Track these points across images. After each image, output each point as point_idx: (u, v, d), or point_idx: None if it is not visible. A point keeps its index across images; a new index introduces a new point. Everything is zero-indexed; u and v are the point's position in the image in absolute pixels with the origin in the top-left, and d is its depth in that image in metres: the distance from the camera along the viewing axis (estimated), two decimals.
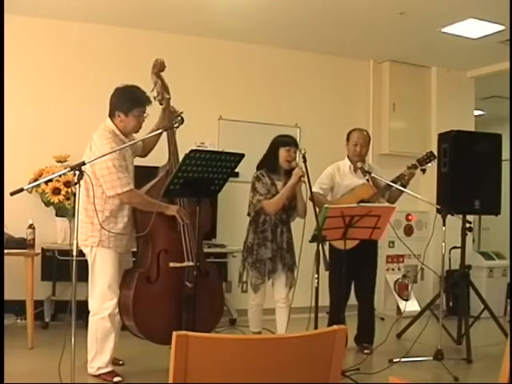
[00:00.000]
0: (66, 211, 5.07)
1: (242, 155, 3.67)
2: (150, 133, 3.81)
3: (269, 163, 4.21)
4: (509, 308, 6.26)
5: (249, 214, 4.22)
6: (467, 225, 4.90)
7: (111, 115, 3.74)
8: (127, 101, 3.71)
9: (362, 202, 4.23)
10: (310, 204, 4.18)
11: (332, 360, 1.71)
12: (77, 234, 3.15)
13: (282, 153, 4.15)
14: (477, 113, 7.59)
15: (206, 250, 4.61)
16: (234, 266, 5.51)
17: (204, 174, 3.54)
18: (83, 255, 3.67)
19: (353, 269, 4.38)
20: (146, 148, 4.05)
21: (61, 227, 5.13)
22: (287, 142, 4.18)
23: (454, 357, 4.47)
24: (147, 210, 3.67)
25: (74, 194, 3.53)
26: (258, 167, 4.25)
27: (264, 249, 4.11)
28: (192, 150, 3.46)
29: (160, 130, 3.74)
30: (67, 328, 3.06)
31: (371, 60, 6.67)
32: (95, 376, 3.69)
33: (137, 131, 3.82)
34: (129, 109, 3.69)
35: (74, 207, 3.58)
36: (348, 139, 4.72)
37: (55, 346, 3.36)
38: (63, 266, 4.57)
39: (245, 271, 4.19)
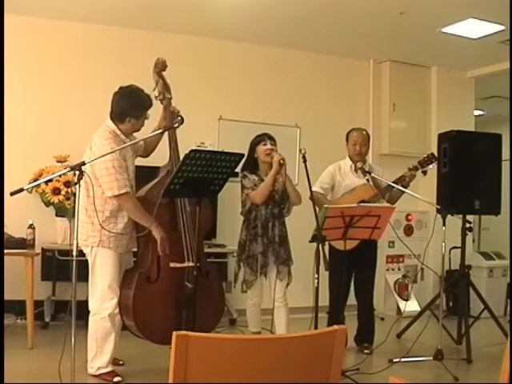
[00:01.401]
0: (65, 211, 5.07)
1: (242, 155, 3.68)
2: (151, 133, 3.81)
3: (250, 165, 4.20)
4: (509, 308, 6.25)
5: (242, 213, 4.22)
6: (467, 225, 4.91)
7: (118, 119, 3.71)
8: (138, 106, 3.72)
9: (362, 202, 4.23)
10: (310, 203, 4.18)
11: (332, 360, 1.71)
12: (77, 234, 3.15)
13: (260, 149, 4.15)
14: (477, 113, 7.59)
15: (206, 249, 4.61)
16: (233, 266, 5.49)
17: (204, 174, 3.53)
18: (83, 255, 3.67)
19: (352, 269, 4.38)
20: (148, 148, 4.05)
21: (61, 227, 5.13)
22: (260, 139, 4.19)
23: (454, 357, 4.47)
24: (136, 219, 3.66)
25: (74, 194, 3.54)
26: (241, 170, 4.23)
27: (255, 244, 4.11)
28: (192, 150, 3.46)
29: (160, 130, 3.75)
30: (67, 328, 3.06)
31: (371, 60, 6.67)
32: (95, 376, 3.69)
33: (138, 130, 3.83)
34: (142, 114, 3.72)
35: (74, 207, 3.58)
36: (347, 139, 4.73)
37: (55, 346, 3.36)
38: (63, 266, 4.58)
39: (240, 270, 4.18)
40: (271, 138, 4.18)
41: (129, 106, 3.71)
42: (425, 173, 4.54)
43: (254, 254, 4.11)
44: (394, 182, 4.41)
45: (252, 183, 4.13)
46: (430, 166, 4.52)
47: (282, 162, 4.00)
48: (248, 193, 4.11)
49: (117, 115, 3.72)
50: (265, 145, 4.14)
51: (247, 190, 4.12)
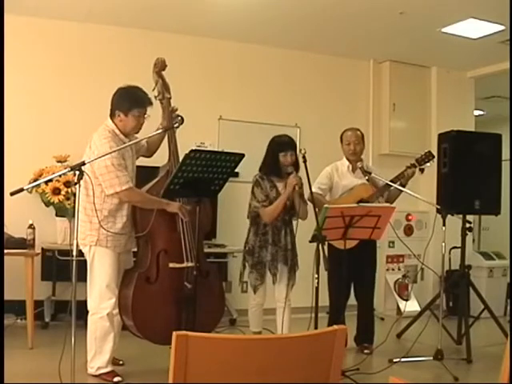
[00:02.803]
0: (65, 211, 5.07)
1: (242, 155, 3.67)
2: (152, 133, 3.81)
3: (270, 167, 4.19)
4: (509, 308, 6.25)
5: (248, 217, 4.21)
6: (467, 225, 4.90)
7: (112, 115, 3.74)
8: (128, 101, 3.70)
9: (361, 201, 4.22)
10: (310, 204, 4.18)
11: (332, 360, 1.71)
12: (77, 234, 3.15)
13: (280, 158, 4.14)
14: (477, 113, 7.59)
15: (206, 249, 4.60)
16: (233, 266, 5.52)
17: (204, 174, 3.53)
18: (83, 255, 3.67)
19: (352, 269, 4.38)
20: (151, 148, 4.04)
21: (61, 227, 5.13)
22: (283, 147, 4.14)
23: (453, 357, 4.47)
24: (148, 208, 3.67)
25: (74, 194, 3.54)
26: (260, 169, 4.23)
27: (265, 251, 4.12)
28: (192, 150, 3.46)
29: (160, 130, 3.75)
30: (67, 328, 3.06)
31: (371, 60, 6.67)
32: (95, 376, 3.69)
33: (137, 132, 3.81)
34: (129, 109, 3.68)
35: (73, 207, 3.58)
36: (341, 140, 4.74)
37: (55, 346, 3.36)
38: (63, 266, 4.58)
39: (245, 271, 4.19)
40: (293, 147, 4.14)
41: (118, 100, 3.72)
42: (422, 171, 4.54)
43: (262, 260, 4.12)
44: (392, 181, 4.41)
45: (263, 194, 4.11)
46: (428, 164, 4.51)
47: (296, 188, 3.98)
48: (258, 206, 4.09)
49: (110, 111, 3.74)
50: (284, 156, 4.11)
51: (257, 202, 4.10)
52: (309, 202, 4.24)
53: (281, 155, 4.13)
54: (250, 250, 4.16)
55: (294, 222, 4.22)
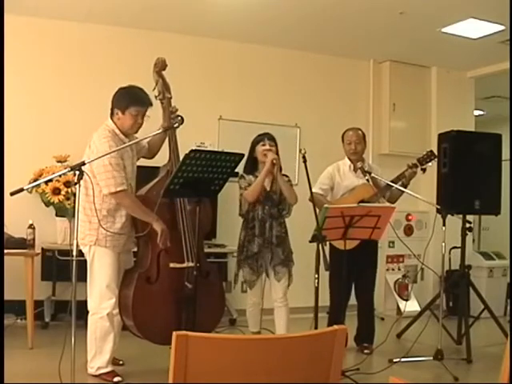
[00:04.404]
0: (65, 211, 5.07)
1: (242, 155, 3.68)
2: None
3: (250, 164, 4.20)
4: (509, 308, 6.25)
5: (240, 214, 4.22)
6: (467, 225, 4.91)
7: (111, 114, 3.74)
8: (126, 99, 3.71)
9: (362, 202, 4.22)
10: (309, 203, 4.18)
11: (332, 360, 1.71)
12: (77, 234, 3.15)
13: (259, 149, 4.15)
14: (477, 113, 7.59)
15: (206, 249, 4.60)
16: (233, 266, 5.49)
17: (204, 174, 3.53)
18: (83, 255, 3.67)
19: (353, 269, 4.38)
20: (152, 149, 4.04)
21: (61, 227, 5.13)
22: (259, 138, 4.19)
23: (453, 357, 4.47)
24: (135, 216, 3.68)
25: (74, 194, 3.54)
26: (244, 170, 4.25)
27: (253, 244, 4.11)
28: (192, 150, 3.46)
29: (160, 130, 3.75)
30: (67, 328, 3.06)
31: (371, 60, 6.67)
32: (95, 376, 3.69)
33: (135, 131, 3.80)
34: (126, 106, 3.68)
35: (73, 207, 3.58)
36: (343, 140, 4.74)
37: (55, 346, 3.36)
38: (63, 266, 4.59)
39: (240, 271, 4.18)
40: (271, 139, 4.16)
41: (117, 98, 3.73)
42: (424, 170, 4.54)
43: (252, 254, 4.11)
44: (393, 181, 4.41)
45: (247, 183, 4.13)
46: (430, 164, 4.52)
47: (274, 161, 4.00)
48: (242, 192, 4.12)
49: (110, 110, 3.75)
50: (263, 145, 4.14)
51: (241, 190, 4.13)
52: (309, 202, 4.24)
53: (258, 146, 4.15)
54: (240, 245, 4.16)
55: (287, 220, 4.22)
